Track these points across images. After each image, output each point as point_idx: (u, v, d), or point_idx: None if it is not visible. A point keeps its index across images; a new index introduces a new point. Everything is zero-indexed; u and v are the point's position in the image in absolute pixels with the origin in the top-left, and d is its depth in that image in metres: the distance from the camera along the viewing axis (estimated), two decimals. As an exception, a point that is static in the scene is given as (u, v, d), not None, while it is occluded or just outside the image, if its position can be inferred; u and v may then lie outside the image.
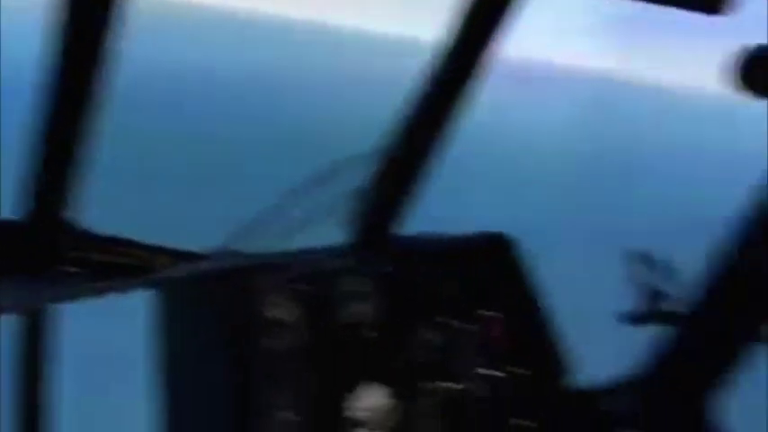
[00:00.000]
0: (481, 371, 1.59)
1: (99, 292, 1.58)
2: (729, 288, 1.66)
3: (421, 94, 1.56)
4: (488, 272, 1.64)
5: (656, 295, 1.62)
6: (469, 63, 1.51)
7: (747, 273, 1.64)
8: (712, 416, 1.79)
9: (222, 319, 1.46)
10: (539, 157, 16.11)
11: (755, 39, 1.36)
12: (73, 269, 1.62)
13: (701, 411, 1.80)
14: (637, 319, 1.65)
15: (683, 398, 1.79)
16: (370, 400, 1.46)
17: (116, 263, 1.66)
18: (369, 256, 1.59)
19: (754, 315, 1.65)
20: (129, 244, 1.69)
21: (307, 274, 1.47)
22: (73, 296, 1.59)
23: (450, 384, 1.55)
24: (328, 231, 1.73)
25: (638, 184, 14.67)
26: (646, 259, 1.64)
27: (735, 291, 1.66)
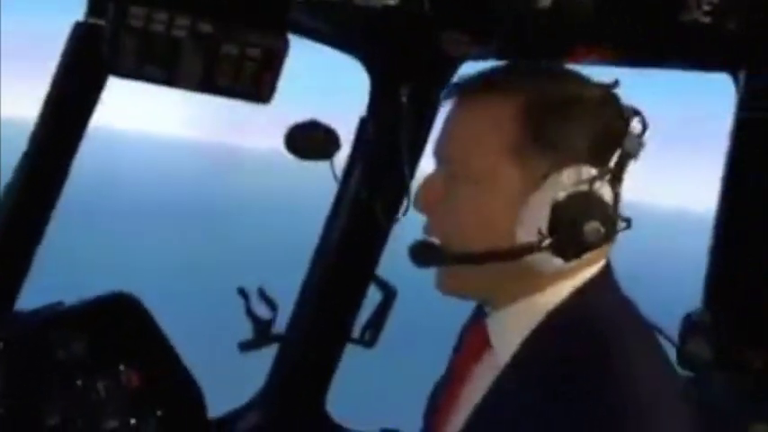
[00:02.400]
0: (122, 421, 1.73)
1: None
2: (317, 303, 2.08)
3: (22, 171, 1.65)
4: (117, 330, 1.79)
5: (262, 323, 1.93)
6: (62, 139, 1.64)
7: (330, 290, 2.09)
8: (325, 410, 2.20)
9: None
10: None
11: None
12: None
13: (317, 409, 2.19)
14: (251, 345, 1.95)
15: (301, 403, 2.16)
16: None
17: None
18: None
19: (342, 321, 2.09)
20: None
21: None
22: None
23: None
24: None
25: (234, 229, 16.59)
26: (254, 293, 1.94)
27: (322, 304, 2.09)
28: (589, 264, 1.07)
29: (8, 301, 1.74)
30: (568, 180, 1.02)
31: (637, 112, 1.07)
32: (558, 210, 1.01)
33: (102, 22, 1.46)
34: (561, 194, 1.01)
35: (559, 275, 1.05)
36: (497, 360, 1.08)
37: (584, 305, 1.05)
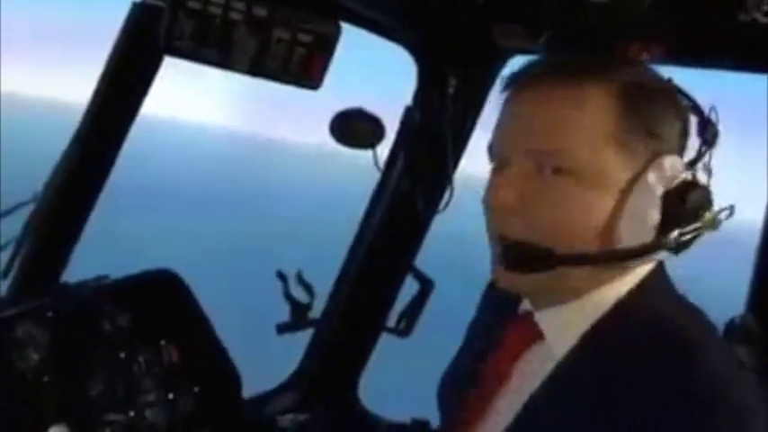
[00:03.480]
0: (160, 396, 1.76)
1: None
2: (354, 291, 2.10)
3: (75, 147, 1.69)
4: (160, 306, 1.82)
5: (300, 306, 1.95)
6: (115, 119, 1.67)
7: (368, 279, 2.10)
8: (357, 397, 2.22)
9: None
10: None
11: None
12: None
13: (349, 395, 2.21)
14: (288, 328, 1.97)
15: (333, 388, 2.18)
16: (54, 440, 1.54)
17: None
18: (37, 303, 1.65)
19: (378, 310, 2.10)
20: None
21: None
22: None
23: (131, 412, 1.70)
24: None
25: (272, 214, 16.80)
26: (293, 276, 1.96)
27: (359, 292, 2.10)
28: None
29: (55, 273, 1.79)
30: (671, 170, 0.98)
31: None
32: (667, 201, 0.96)
33: (159, 3, 1.48)
34: (670, 184, 0.97)
35: (616, 272, 1.03)
36: (550, 354, 1.06)
37: (647, 300, 1.03)
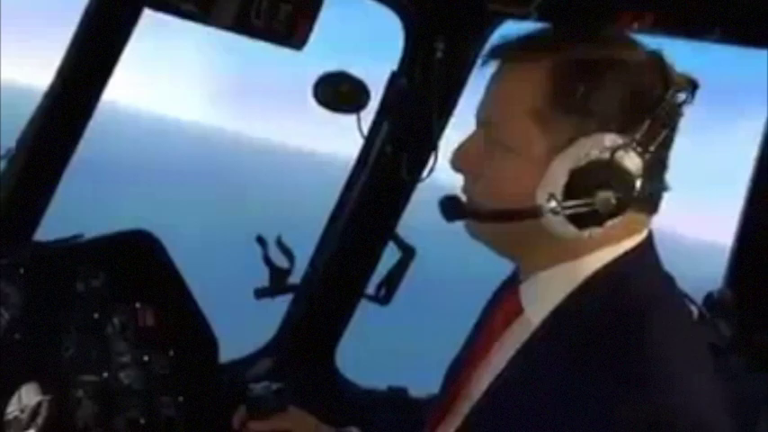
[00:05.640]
0: (134, 357, 1.74)
1: None
2: (335, 257, 2.08)
3: (49, 103, 1.63)
4: (135, 267, 1.79)
5: (280, 272, 1.93)
6: (92, 72, 1.62)
7: (351, 242, 2.08)
8: (335, 364, 2.21)
9: None
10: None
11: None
12: None
13: (326, 362, 2.20)
14: (267, 293, 1.95)
15: (311, 354, 2.17)
16: (26, 399, 1.52)
17: None
18: (9, 261, 1.60)
19: (358, 277, 2.09)
20: None
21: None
22: None
23: (105, 374, 1.68)
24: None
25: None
26: (273, 242, 1.94)
27: (339, 259, 2.09)
28: (629, 234, 1.05)
29: (27, 231, 1.74)
30: (593, 147, 1.00)
31: (689, 81, 1.03)
32: (575, 176, 1.01)
33: (140, -47, 1.43)
34: (583, 161, 1.00)
35: (594, 244, 1.04)
36: (528, 324, 1.08)
37: (620, 276, 1.04)
